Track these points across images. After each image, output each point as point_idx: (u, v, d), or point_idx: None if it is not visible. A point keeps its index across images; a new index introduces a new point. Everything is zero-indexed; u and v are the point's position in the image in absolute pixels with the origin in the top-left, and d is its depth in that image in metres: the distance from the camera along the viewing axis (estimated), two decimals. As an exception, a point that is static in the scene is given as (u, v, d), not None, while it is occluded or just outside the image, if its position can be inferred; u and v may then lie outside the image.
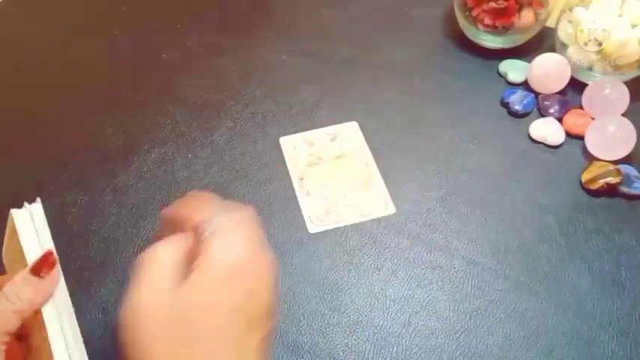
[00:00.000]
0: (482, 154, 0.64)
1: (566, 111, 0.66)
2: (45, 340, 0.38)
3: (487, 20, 0.69)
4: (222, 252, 0.35)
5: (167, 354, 0.33)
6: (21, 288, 0.38)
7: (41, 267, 0.39)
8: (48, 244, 0.40)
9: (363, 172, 0.62)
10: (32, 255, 0.39)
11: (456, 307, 0.52)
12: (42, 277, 0.39)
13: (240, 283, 0.35)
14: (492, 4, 0.68)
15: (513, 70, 0.70)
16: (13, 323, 0.37)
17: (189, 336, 0.33)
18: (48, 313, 0.38)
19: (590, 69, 0.67)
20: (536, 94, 0.68)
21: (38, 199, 0.41)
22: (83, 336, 0.41)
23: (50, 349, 0.37)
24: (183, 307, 0.34)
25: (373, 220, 0.59)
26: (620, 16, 0.63)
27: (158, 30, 0.79)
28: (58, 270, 0.40)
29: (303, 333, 0.51)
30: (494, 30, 0.70)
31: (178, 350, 0.33)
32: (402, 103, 0.69)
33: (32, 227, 0.40)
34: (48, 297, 0.39)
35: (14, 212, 0.40)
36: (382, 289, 0.54)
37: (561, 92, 0.68)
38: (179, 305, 0.34)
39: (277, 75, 0.73)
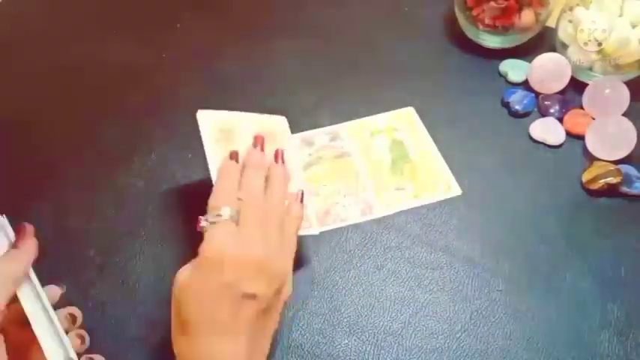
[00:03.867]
0: (483, 154, 0.64)
1: (567, 111, 0.66)
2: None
3: (487, 20, 0.69)
4: (210, 245, 0.41)
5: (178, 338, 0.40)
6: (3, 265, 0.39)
7: (17, 240, 0.41)
8: None
9: (363, 171, 0.62)
10: None
11: (456, 308, 0.52)
12: (17, 247, 0.40)
13: (217, 270, 0.40)
14: (492, 4, 0.68)
15: (513, 70, 0.70)
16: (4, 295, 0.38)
17: (185, 322, 0.40)
18: (26, 305, 0.39)
19: (590, 69, 0.67)
20: (537, 94, 0.68)
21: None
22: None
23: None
24: (180, 296, 0.40)
25: (373, 220, 0.59)
26: (620, 16, 0.63)
27: (158, 30, 0.79)
28: (33, 242, 0.41)
29: (303, 333, 0.51)
30: (494, 30, 0.70)
31: (180, 336, 0.40)
32: (402, 103, 0.68)
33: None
34: (25, 268, 0.40)
35: None
36: (382, 289, 0.54)
37: (561, 92, 0.68)
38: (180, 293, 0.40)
39: (277, 75, 0.72)
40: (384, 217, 0.59)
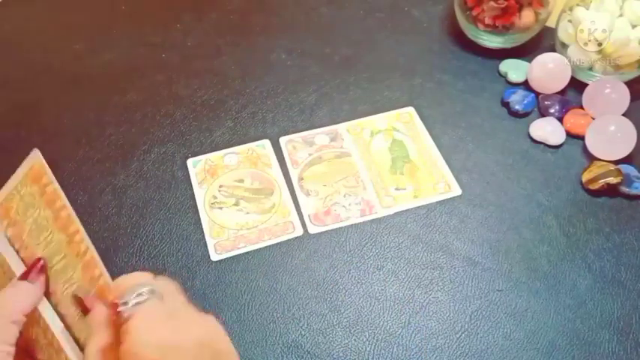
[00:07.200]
0: (483, 154, 0.64)
1: (567, 111, 0.66)
2: (51, 340, 0.38)
3: (487, 20, 0.69)
4: (142, 339, 0.32)
5: None
6: (13, 297, 0.38)
7: (30, 273, 0.38)
8: None
9: (363, 171, 0.62)
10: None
11: (456, 308, 0.52)
12: (32, 283, 0.38)
13: None
14: (492, 4, 0.68)
15: (513, 70, 0.70)
16: (13, 333, 0.37)
17: None
18: (46, 313, 0.38)
19: (590, 69, 0.67)
20: (537, 93, 0.68)
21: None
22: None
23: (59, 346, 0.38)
24: None
25: (373, 220, 0.59)
26: (620, 16, 0.63)
27: (158, 30, 0.79)
28: (44, 278, 0.39)
29: (303, 333, 0.51)
30: (494, 30, 0.70)
31: None
32: (402, 103, 0.68)
33: None
34: (39, 300, 0.38)
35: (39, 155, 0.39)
36: (382, 289, 0.54)
37: (561, 92, 0.68)
38: None
39: (277, 75, 0.72)
40: (383, 217, 0.59)
